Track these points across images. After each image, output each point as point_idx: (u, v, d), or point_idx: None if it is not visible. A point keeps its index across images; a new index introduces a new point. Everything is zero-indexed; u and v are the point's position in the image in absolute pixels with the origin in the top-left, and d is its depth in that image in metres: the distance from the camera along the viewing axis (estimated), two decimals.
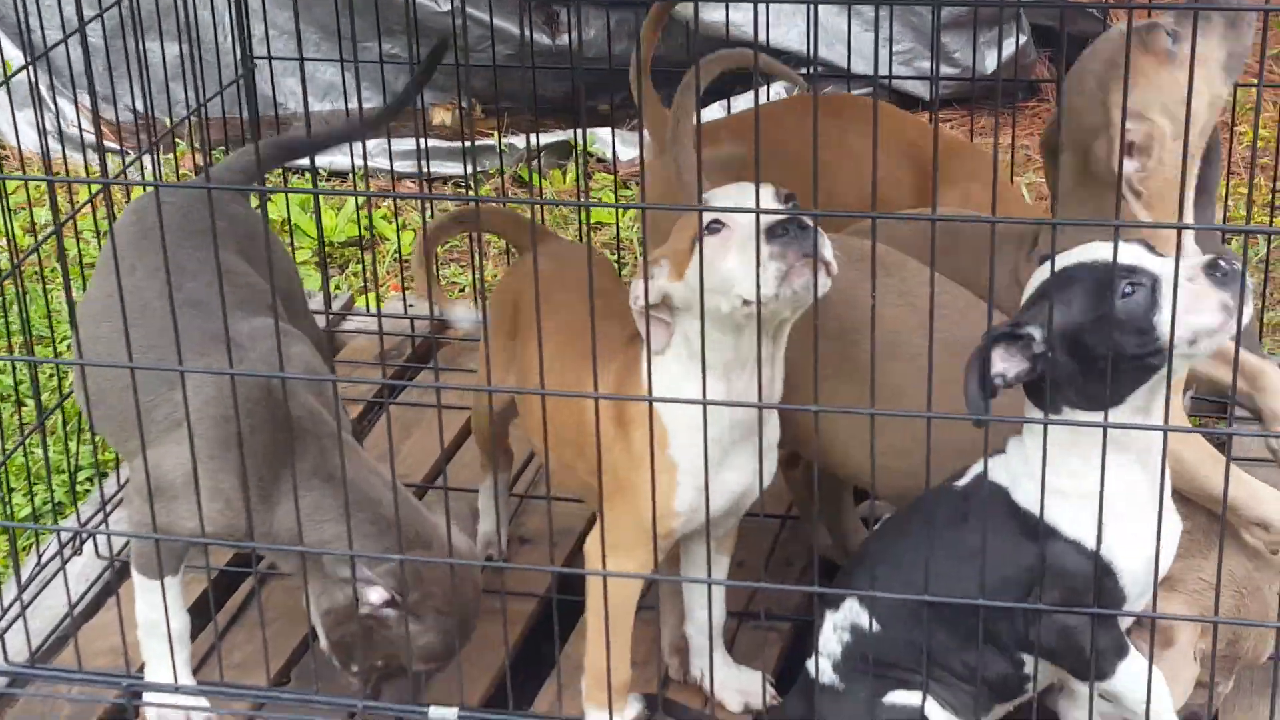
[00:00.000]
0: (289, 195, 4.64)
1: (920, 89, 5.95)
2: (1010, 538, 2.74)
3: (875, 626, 2.86)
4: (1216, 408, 4.01)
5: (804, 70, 5.08)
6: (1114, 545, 2.70)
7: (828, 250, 2.69)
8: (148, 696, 3.18)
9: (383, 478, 3.04)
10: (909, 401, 2.81)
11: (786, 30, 6.03)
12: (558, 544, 3.61)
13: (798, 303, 2.74)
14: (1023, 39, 6.04)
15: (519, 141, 5.83)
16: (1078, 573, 2.70)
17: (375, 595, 2.98)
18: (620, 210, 4.98)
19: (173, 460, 3.01)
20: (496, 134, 5.64)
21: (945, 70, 5.82)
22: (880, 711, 2.87)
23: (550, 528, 3.15)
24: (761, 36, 5.78)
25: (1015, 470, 2.76)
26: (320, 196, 3.79)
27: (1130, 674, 2.77)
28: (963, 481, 2.83)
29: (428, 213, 4.27)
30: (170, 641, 3.12)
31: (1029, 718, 2.92)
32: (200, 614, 3.31)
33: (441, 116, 6.09)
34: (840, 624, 2.91)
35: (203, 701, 3.18)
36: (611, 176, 5.49)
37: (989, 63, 5.64)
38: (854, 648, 2.89)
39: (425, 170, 5.07)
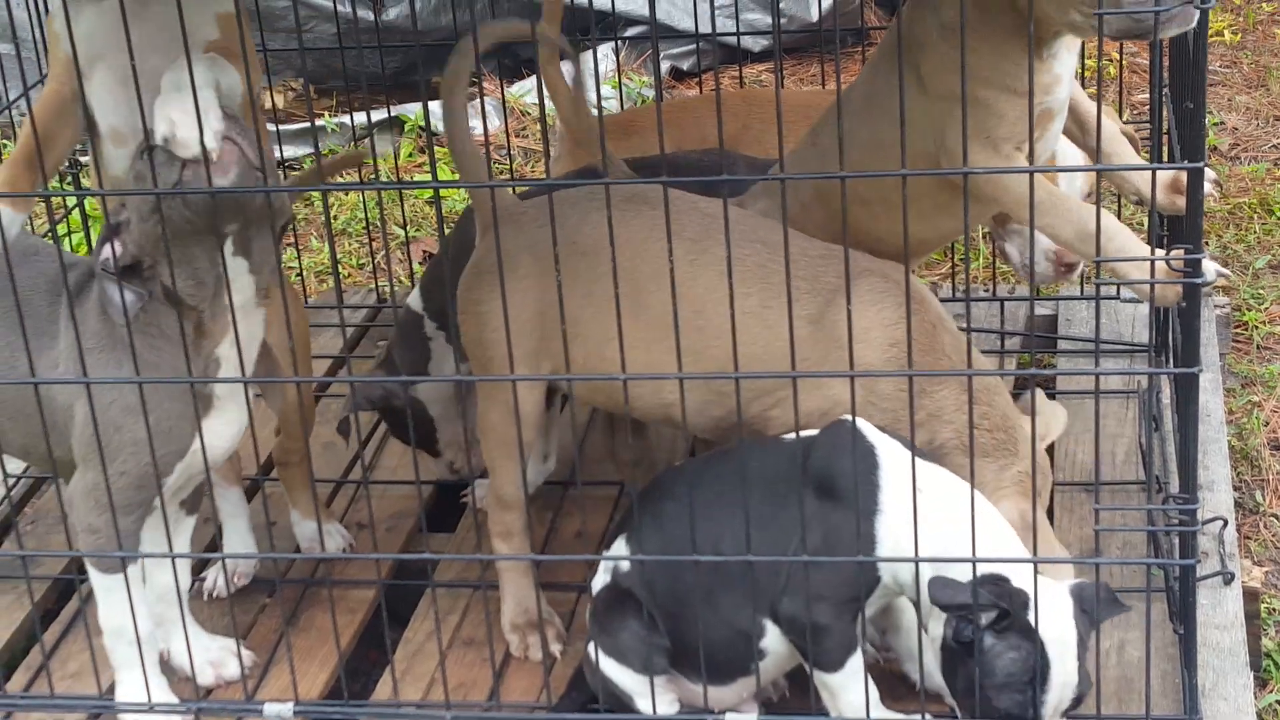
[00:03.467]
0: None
1: (748, 43, 5.95)
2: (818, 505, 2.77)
3: (624, 567, 2.92)
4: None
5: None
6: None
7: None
8: None
9: None
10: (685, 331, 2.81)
11: None
12: (392, 529, 3.59)
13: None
14: None
15: (348, 120, 5.78)
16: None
17: (104, 252, 2.85)
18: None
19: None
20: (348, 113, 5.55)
21: (770, 21, 5.81)
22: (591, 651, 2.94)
23: (370, 515, 3.11)
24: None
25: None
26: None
27: (854, 671, 2.78)
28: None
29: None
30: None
31: None
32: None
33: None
34: (606, 565, 2.96)
35: None
36: (445, 149, 5.43)
37: (813, 11, 5.63)
38: (611, 585, 2.94)
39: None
